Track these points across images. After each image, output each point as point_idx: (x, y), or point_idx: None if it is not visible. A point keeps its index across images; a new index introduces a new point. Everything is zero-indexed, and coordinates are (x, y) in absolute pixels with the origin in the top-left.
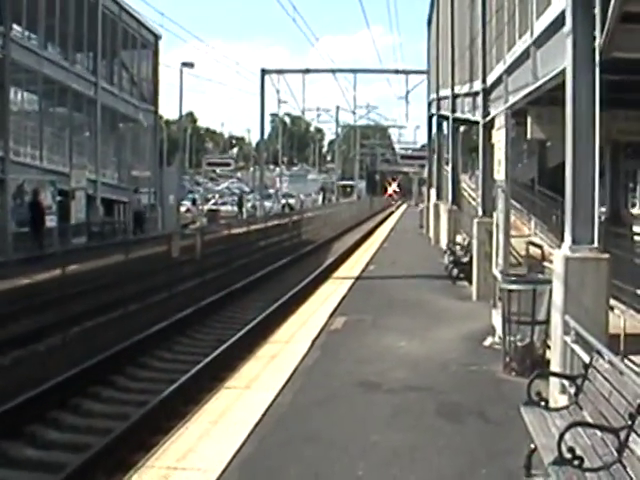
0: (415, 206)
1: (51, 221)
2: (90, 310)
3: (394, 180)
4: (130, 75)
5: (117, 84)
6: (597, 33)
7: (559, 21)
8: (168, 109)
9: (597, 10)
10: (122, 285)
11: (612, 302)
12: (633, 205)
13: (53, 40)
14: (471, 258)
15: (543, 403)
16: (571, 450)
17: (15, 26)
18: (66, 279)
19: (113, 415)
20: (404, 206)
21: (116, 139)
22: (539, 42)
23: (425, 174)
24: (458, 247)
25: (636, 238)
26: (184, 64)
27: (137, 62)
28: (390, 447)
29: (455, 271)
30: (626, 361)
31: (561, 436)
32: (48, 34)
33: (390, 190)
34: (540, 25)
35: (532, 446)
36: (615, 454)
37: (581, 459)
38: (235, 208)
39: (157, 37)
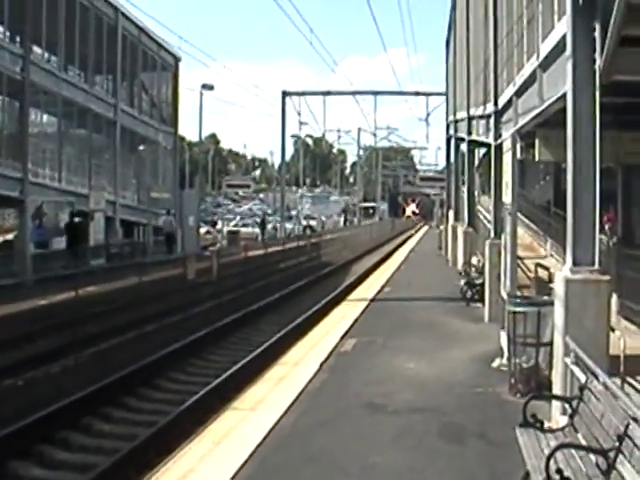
0: (436, 228)
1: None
2: (105, 331)
3: (413, 201)
4: (150, 97)
5: (137, 106)
6: (597, 56)
7: (562, 44)
8: (191, 131)
9: (597, 34)
10: (138, 306)
11: (625, 323)
12: None
13: (73, 62)
14: (484, 280)
15: (538, 425)
16: (559, 471)
17: (35, 48)
18: (81, 300)
19: (122, 435)
20: (425, 228)
21: (136, 161)
22: (545, 65)
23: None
24: (473, 269)
25: None
26: (204, 86)
27: (157, 84)
28: (390, 468)
29: (469, 293)
30: (625, 383)
31: (549, 457)
32: (68, 56)
33: (408, 211)
34: (545, 48)
35: (527, 468)
36: (603, 476)
37: None
38: (256, 229)
39: (177, 59)
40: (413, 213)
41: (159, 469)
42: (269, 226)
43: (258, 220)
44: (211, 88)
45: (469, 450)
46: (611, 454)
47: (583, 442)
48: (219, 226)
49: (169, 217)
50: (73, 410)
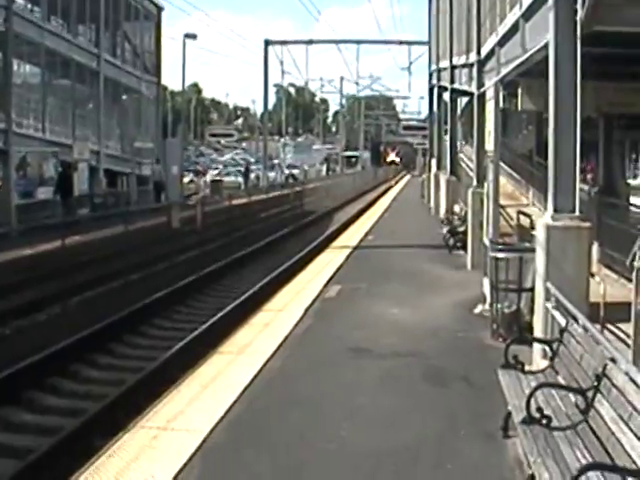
0: (419, 177)
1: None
2: (91, 280)
3: (393, 150)
4: (133, 47)
5: (120, 56)
6: (579, 7)
7: None
8: (173, 81)
9: None
10: (123, 255)
11: (605, 271)
12: (635, 177)
13: (55, 12)
14: (467, 228)
15: (520, 367)
16: (539, 410)
17: None
18: (67, 250)
19: (110, 381)
20: (408, 177)
21: (119, 111)
22: (527, 15)
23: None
24: (455, 217)
25: (632, 209)
26: (187, 35)
27: (140, 34)
28: (374, 409)
29: (452, 241)
30: (605, 329)
31: (529, 396)
32: (50, 6)
33: (389, 159)
34: None
35: (509, 408)
36: (581, 415)
37: (549, 418)
38: (239, 178)
39: (160, 9)
40: (393, 162)
41: (148, 412)
42: (252, 175)
43: (241, 169)
44: (194, 37)
45: (452, 392)
46: (589, 393)
47: (563, 383)
48: (209, 176)
49: (158, 166)
50: (61, 358)
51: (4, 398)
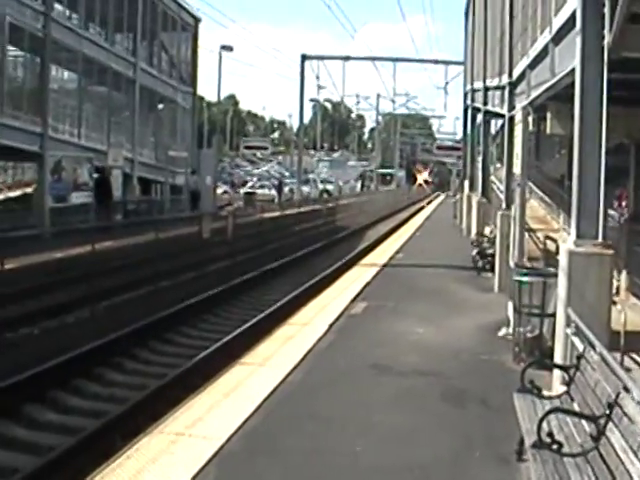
0: (453, 197)
1: (88, 197)
2: (120, 286)
3: (425, 168)
4: (169, 57)
5: (156, 65)
6: (606, 32)
7: (573, 19)
8: (211, 92)
9: (606, 10)
10: (153, 263)
11: (634, 300)
12: None
13: (94, 20)
14: (495, 250)
15: (536, 391)
16: (550, 435)
17: (56, 5)
18: (98, 255)
19: (133, 386)
20: (442, 197)
21: (154, 119)
22: (557, 39)
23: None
24: (485, 239)
25: None
26: (223, 47)
27: (177, 44)
28: (390, 427)
29: (481, 262)
30: (627, 358)
31: (540, 421)
32: (89, 14)
33: (420, 179)
34: (557, 22)
35: (522, 432)
36: (593, 442)
37: (560, 444)
38: (273, 191)
39: (197, 20)
40: (425, 182)
41: (167, 418)
42: (286, 189)
43: (275, 182)
44: (230, 49)
45: (470, 414)
46: (601, 421)
47: (577, 409)
48: (249, 187)
49: (194, 176)
50: (87, 360)
51: (29, 396)
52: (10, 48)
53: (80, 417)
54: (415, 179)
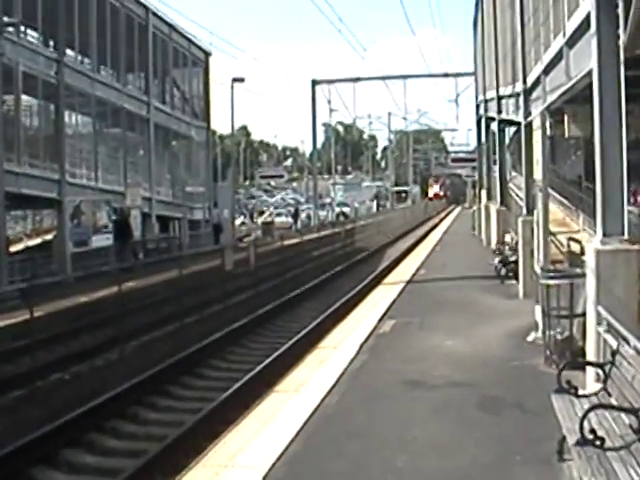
0: (469, 209)
1: (107, 240)
2: (147, 324)
3: (436, 181)
4: (182, 93)
5: (169, 102)
6: (621, 32)
7: (587, 22)
8: (222, 124)
9: (620, 10)
10: (178, 299)
11: None
12: None
13: (105, 62)
14: (518, 257)
15: (573, 391)
16: (592, 431)
17: (68, 51)
18: (122, 296)
19: (169, 423)
20: (457, 209)
21: (169, 156)
22: (571, 42)
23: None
24: (506, 247)
25: None
26: (235, 79)
27: (188, 80)
28: (429, 439)
29: (503, 270)
30: None
31: (583, 418)
32: (100, 57)
33: (431, 193)
34: (571, 26)
35: (563, 432)
36: (635, 434)
37: (602, 440)
38: (290, 219)
39: (207, 54)
40: (436, 195)
41: (208, 452)
42: (302, 215)
43: (292, 210)
44: (242, 80)
45: (506, 420)
46: None
47: (615, 404)
48: (266, 216)
49: (216, 209)
50: (120, 401)
51: (65, 441)
52: (24, 97)
53: (119, 458)
54: (426, 194)
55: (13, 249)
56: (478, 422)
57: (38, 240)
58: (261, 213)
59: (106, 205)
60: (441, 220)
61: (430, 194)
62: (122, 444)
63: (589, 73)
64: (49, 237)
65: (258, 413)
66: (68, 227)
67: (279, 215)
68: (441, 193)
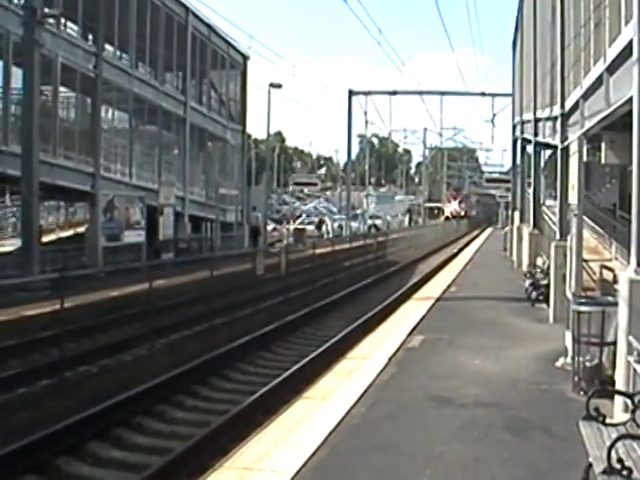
0: (501, 230)
1: (139, 236)
2: (176, 323)
3: (454, 197)
4: (219, 95)
5: (206, 103)
6: None
7: (629, 49)
8: (258, 128)
9: None
10: (208, 300)
11: None
12: None
13: (144, 60)
14: (550, 281)
15: (601, 419)
16: (620, 461)
17: (107, 46)
18: (152, 293)
19: (195, 422)
20: (489, 229)
21: (204, 157)
22: (611, 68)
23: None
24: (538, 270)
25: None
26: (272, 85)
27: (226, 82)
28: (456, 457)
29: (534, 294)
30: None
31: (610, 447)
32: (139, 54)
33: (447, 211)
34: (612, 52)
35: (590, 459)
36: None
37: (630, 470)
38: (315, 229)
39: (246, 58)
40: (453, 215)
41: (234, 453)
42: (335, 225)
43: (314, 220)
44: (279, 86)
45: (533, 443)
46: None
47: None
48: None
49: (255, 213)
50: (147, 397)
51: (92, 434)
52: (62, 89)
53: (144, 454)
54: (442, 213)
55: (45, 239)
56: (505, 443)
57: (70, 232)
58: (298, 217)
59: (139, 201)
60: (473, 239)
61: (447, 212)
62: (148, 440)
63: (629, 100)
64: (81, 230)
65: (285, 418)
66: (101, 221)
67: (311, 223)
68: (462, 212)
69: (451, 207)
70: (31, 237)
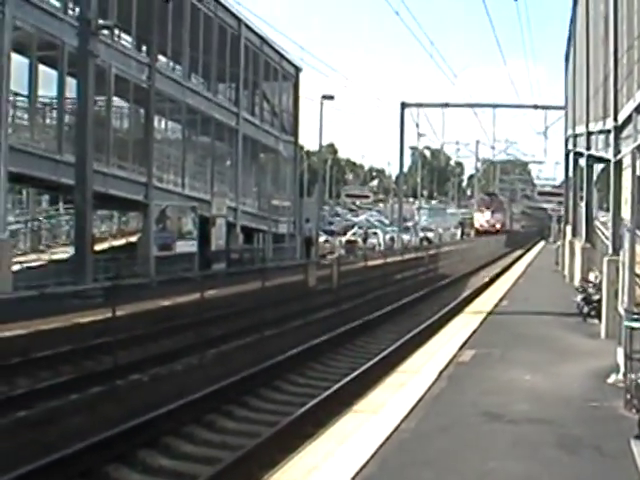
0: (553, 243)
1: (191, 246)
2: (227, 334)
3: (487, 205)
4: (271, 106)
5: (258, 115)
6: None
7: None
8: (310, 140)
9: None
10: (259, 311)
11: None
12: None
13: (197, 71)
14: (602, 296)
15: None
16: None
17: (160, 57)
18: (204, 303)
19: (245, 433)
20: (542, 243)
21: (257, 169)
22: None
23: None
24: (590, 285)
25: None
26: (324, 97)
27: (278, 94)
28: (506, 474)
29: (586, 309)
30: None
31: None
32: (192, 65)
33: (478, 223)
34: None
35: None
36: None
37: None
38: (373, 240)
39: (298, 69)
40: (485, 229)
41: (283, 465)
42: (387, 237)
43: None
44: (331, 98)
45: (584, 460)
46: None
47: None
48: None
49: (308, 224)
50: (197, 407)
51: (143, 442)
52: (115, 99)
53: (193, 463)
54: (471, 226)
55: (98, 248)
56: (555, 460)
57: (123, 241)
58: (345, 232)
59: (192, 212)
60: (524, 253)
61: (476, 224)
62: (197, 450)
63: None
64: (133, 239)
65: (335, 431)
66: (153, 230)
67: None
68: (497, 224)
69: (483, 218)
70: (84, 245)
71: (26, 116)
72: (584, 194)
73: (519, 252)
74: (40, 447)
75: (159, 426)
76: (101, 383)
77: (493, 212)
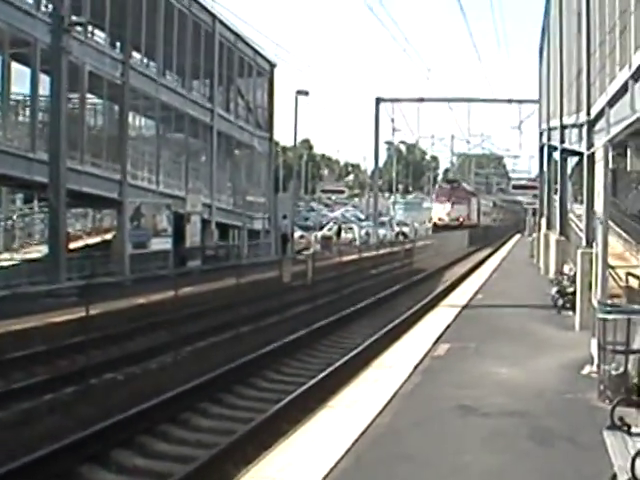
0: (528, 236)
1: (166, 244)
2: (202, 331)
3: (447, 196)
4: (246, 102)
5: (233, 111)
6: None
7: None
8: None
9: None
10: (234, 308)
11: None
12: None
13: (171, 67)
14: (576, 288)
15: (626, 428)
16: None
17: (134, 54)
18: (180, 300)
19: (219, 430)
20: (517, 236)
21: (231, 165)
22: (637, 75)
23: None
24: (564, 277)
25: None
26: (299, 92)
27: (253, 90)
28: (481, 467)
29: (560, 301)
30: None
31: (634, 457)
32: (166, 62)
33: (436, 216)
34: (637, 59)
35: (614, 469)
36: None
37: None
38: (349, 235)
39: (272, 65)
40: (443, 223)
41: (258, 462)
42: (362, 232)
43: (351, 226)
44: (306, 94)
45: (558, 452)
46: None
47: None
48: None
49: (285, 220)
50: (172, 405)
51: (116, 442)
52: (89, 97)
53: (168, 462)
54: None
55: (73, 246)
56: (530, 453)
57: (97, 239)
58: (320, 227)
59: (166, 209)
60: (500, 246)
61: (434, 217)
62: (172, 449)
63: None
64: (108, 237)
65: (309, 427)
66: (128, 228)
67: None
68: (460, 218)
69: (442, 211)
70: (58, 244)
71: None
72: (558, 187)
73: (487, 251)
74: (16, 448)
75: (133, 425)
76: (75, 383)
77: (454, 204)
